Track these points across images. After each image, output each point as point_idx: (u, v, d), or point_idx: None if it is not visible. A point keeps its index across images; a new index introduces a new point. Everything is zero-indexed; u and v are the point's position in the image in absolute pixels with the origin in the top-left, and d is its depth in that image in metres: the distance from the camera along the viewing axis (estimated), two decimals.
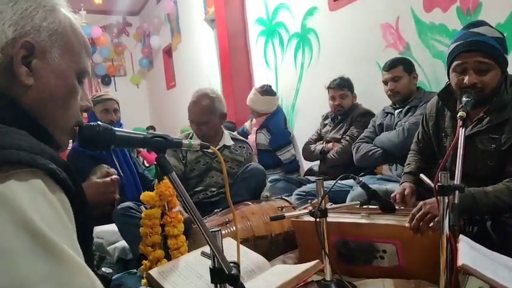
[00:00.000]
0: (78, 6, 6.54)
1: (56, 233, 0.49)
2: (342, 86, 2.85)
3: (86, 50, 0.75)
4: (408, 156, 1.89)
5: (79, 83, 0.74)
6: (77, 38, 0.72)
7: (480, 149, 1.52)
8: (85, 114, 2.51)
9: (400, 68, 2.38)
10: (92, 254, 0.75)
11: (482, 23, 1.53)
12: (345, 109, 2.86)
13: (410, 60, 2.46)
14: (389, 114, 2.48)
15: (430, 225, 1.34)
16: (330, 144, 2.87)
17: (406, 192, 1.68)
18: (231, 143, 2.41)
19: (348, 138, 2.76)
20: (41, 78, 0.66)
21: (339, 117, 2.91)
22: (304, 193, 2.52)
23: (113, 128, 0.78)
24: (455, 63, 1.53)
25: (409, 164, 1.85)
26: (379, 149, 2.41)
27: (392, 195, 1.71)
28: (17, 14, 0.64)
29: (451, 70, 1.57)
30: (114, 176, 1.05)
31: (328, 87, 2.91)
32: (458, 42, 1.52)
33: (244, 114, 4.42)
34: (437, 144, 1.73)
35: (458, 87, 1.53)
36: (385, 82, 2.44)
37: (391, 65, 2.41)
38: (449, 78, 1.62)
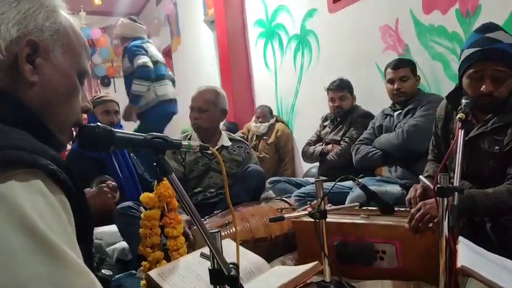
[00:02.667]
0: (78, 7, 6.56)
1: (55, 234, 0.49)
2: (341, 88, 2.85)
3: (85, 52, 0.76)
4: (426, 167, 1.81)
5: (79, 83, 0.74)
6: (77, 39, 0.74)
7: (484, 150, 1.51)
8: (85, 116, 2.51)
9: (408, 68, 2.36)
10: (92, 255, 0.75)
11: (496, 27, 1.49)
12: (344, 111, 2.85)
13: (414, 62, 2.44)
14: (388, 116, 2.48)
15: (429, 225, 1.34)
16: (330, 146, 2.87)
17: (417, 194, 1.55)
18: (229, 143, 2.41)
19: (347, 139, 2.76)
20: (44, 76, 0.67)
21: (338, 118, 2.91)
22: (303, 194, 2.51)
23: (112, 129, 0.78)
24: (471, 70, 1.49)
25: (426, 171, 1.77)
26: (378, 150, 2.41)
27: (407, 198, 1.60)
28: (20, 14, 0.65)
29: (465, 76, 1.53)
30: (110, 183, 1.04)
31: (328, 89, 2.90)
32: (475, 49, 1.47)
33: (244, 115, 4.43)
34: (445, 146, 1.71)
35: (474, 94, 1.49)
36: (391, 81, 2.38)
37: (398, 64, 2.37)
38: (460, 81, 1.59)
